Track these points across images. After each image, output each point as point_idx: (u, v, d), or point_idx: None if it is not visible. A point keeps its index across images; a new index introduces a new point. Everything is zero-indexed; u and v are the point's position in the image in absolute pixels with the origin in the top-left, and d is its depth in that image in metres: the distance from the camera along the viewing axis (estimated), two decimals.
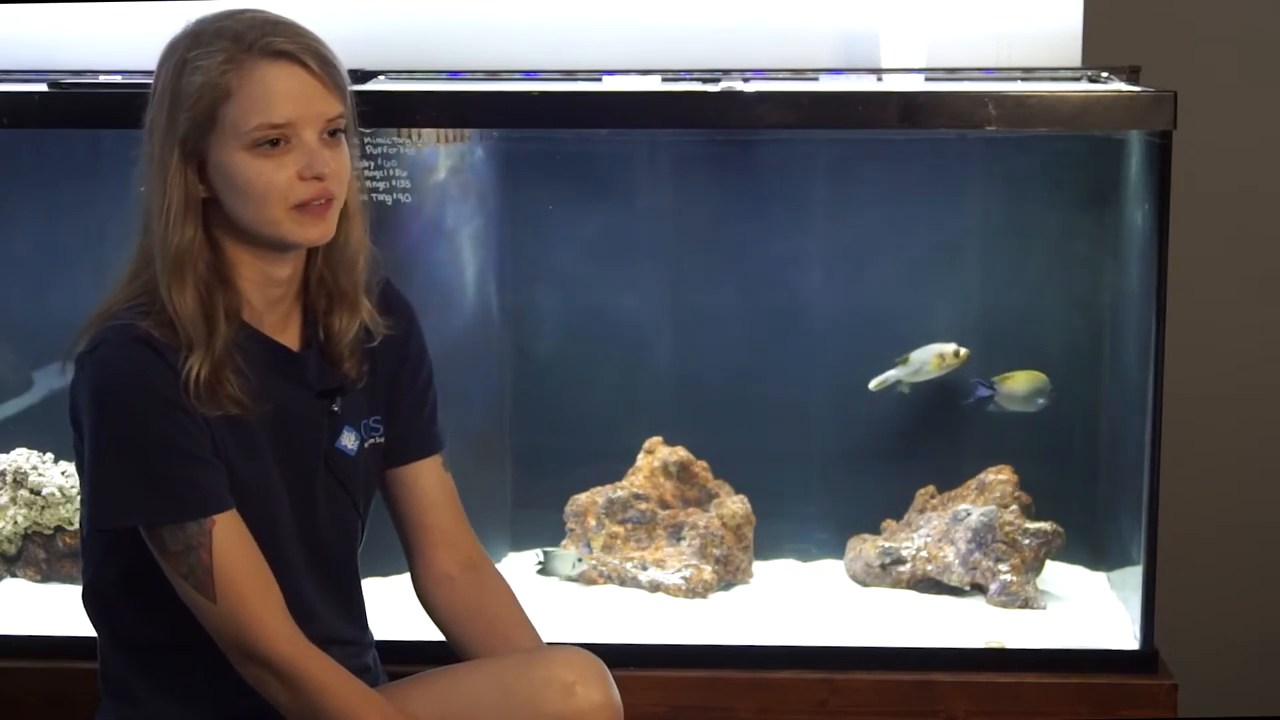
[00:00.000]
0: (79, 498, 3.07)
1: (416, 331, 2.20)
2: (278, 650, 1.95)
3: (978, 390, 3.11)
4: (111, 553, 2.03)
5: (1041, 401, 3.09)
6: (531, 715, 2.00)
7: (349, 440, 2.11)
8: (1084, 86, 2.88)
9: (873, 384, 3.12)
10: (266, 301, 2.04)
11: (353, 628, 2.16)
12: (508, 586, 2.22)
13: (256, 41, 1.94)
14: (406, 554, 2.22)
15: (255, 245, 1.99)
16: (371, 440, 2.14)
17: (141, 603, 2.03)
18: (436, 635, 2.25)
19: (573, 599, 3.04)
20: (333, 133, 1.98)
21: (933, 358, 3.08)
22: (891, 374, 3.11)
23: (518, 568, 3.17)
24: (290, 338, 2.07)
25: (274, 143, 1.94)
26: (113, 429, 1.94)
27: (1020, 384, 3.10)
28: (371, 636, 2.21)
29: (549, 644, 2.12)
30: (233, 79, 1.93)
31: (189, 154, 1.95)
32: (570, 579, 3.11)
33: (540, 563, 3.13)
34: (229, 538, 1.95)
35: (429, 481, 2.20)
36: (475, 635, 2.16)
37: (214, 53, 1.94)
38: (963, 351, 3.08)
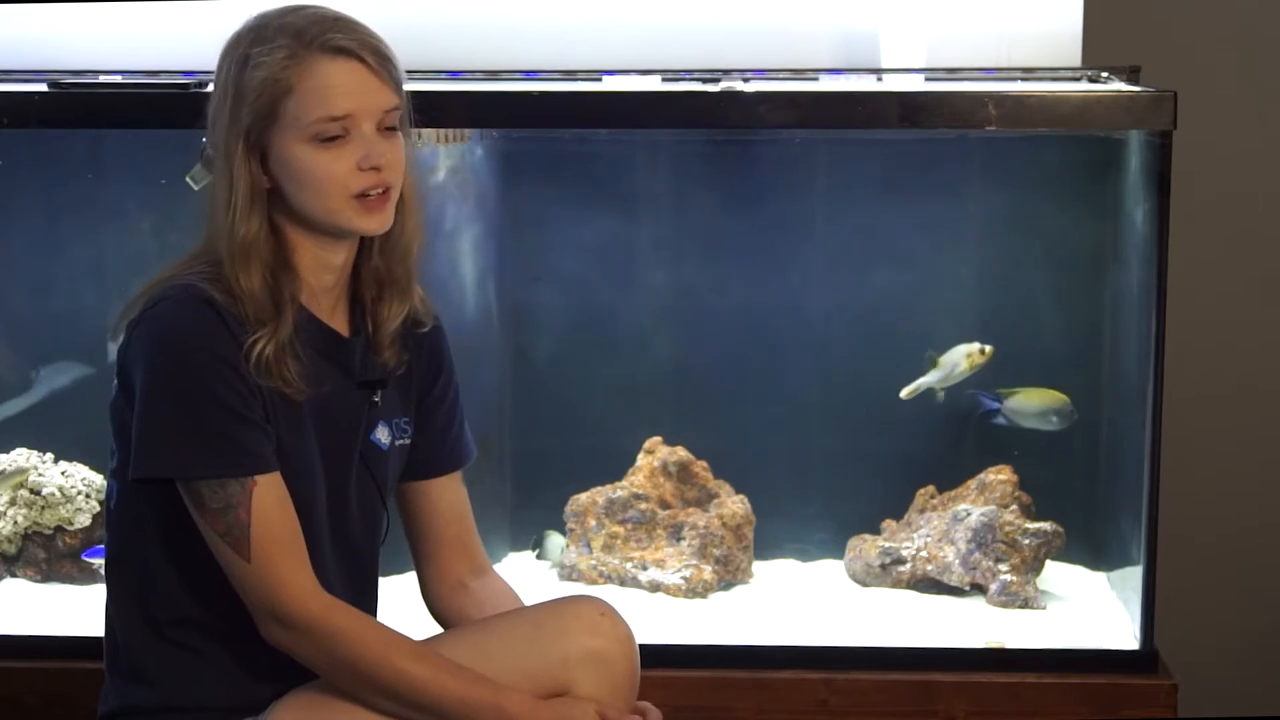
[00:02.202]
0: (80, 496, 3.09)
1: (447, 346, 2.25)
2: (305, 606, 1.97)
3: (983, 404, 3.10)
4: (146, 520, 2.04)
5: (1056, 420, 3.08)
6: (563, 646, 2.05)
7: (383, 435, 2.14)
8: (1084, 86, 2.89)
9: (904, 392, 3.10)
10: (321, 287, 2.08)
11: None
12: (511, 588, 2.27)
13: (317, 38, 1.99)
14: (417, 560, 2.25)
15: (315, 232, 2.04)
16: (400, 440, 2.17)
17: (172, 575, 2.04)
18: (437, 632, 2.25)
19: None
20: (390, 127, 2.04)
21: (962, 359, 3.07)
22: (923, 381, 3.10)
23: (517, 568, 3.18)
24: (339, 325, 2.11)
25: (333, 135, 1.99)
26: (166, 383, 1.96)
27: (1031, 400, 3.09)
28: None
29: (568, 594, 2.17)
30: (293, 74, 1.98)
31: (252, 146, 2.00)
32: (559, 564, 3.13)
33: (536, 544, 3.14)
34: (268, 499, 1.97)
35: (450, 495, 2.25)
36: None
37: (276, 49, 1.99)
38: (988, 349, 3.07)
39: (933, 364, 3.09)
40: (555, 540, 3.16)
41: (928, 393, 3.13)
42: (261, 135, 2.00)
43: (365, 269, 2.11)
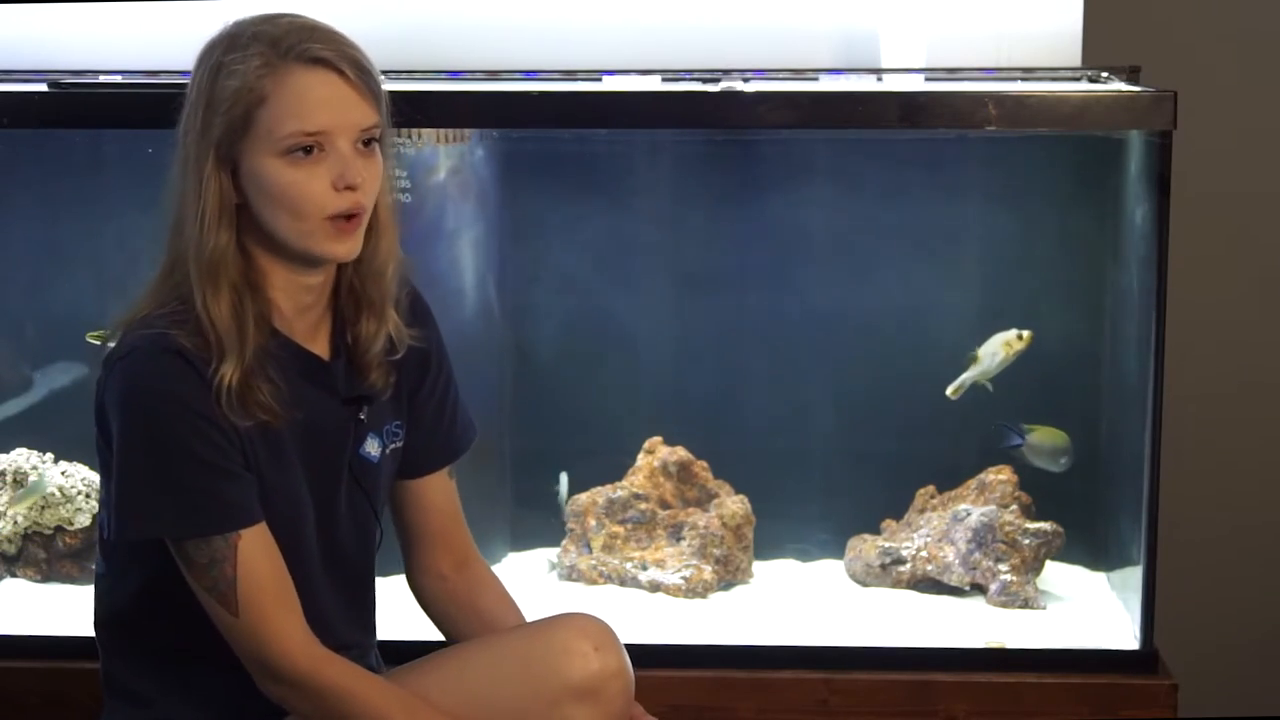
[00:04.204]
0: (80, 496, 3.09)
1: (440, 344, 2.20)
2: (296, 664, 1.95)
3: (1009, 438, 3.10)
4: (135, 560, 2.02)
5: (1064, 462, 3.08)
6: (552, 683, 2.02)
7: (372, 447, 2.11)
8: (1084, 86, 2.89)
9: (950, 391, 3.09)
10: (297, 309, 2.02)
11: (362, 632, 2.17)
12: (498, 581, 2.24)
13: (294, 47, 1.92)
14: (403, 549, 2.24)
15: (285, 255, 1.98)
16: (393, 446, 2.14)
17: (162, 609, 2.03)
18: (439, 635, 2.25)
19: (573, 599, 3.04)
20: (367, 142, 1.96)
21: (999, 348, 3.06)
22: (966, 376, 3.08)
23: (518, 568, 3.18)
24: (320, 346, 2.06)
25: (307, 150, 1.92)
26: (141, 440, 1.93)
27: (1044, 440, 3.09)
28: (375, 638, 2.22)
29: (559, 613, 2.13)
30: (268, 84, 1.91)
31: (223, 159, 1.93)
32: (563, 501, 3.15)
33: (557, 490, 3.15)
34: (254, 552, 1.95)
35: (435, 492, 2.21)
36: (469, 630, 2.18)
37: (250, 57, 1.92)
38: (1025, 334, 3.06)
39: (973, 360, 3.08)
40: (564, 481, 3.17)
41: (924, 391, 3.13)
42: (233, 147, 1.93)
43: (342, 288, 2.05)
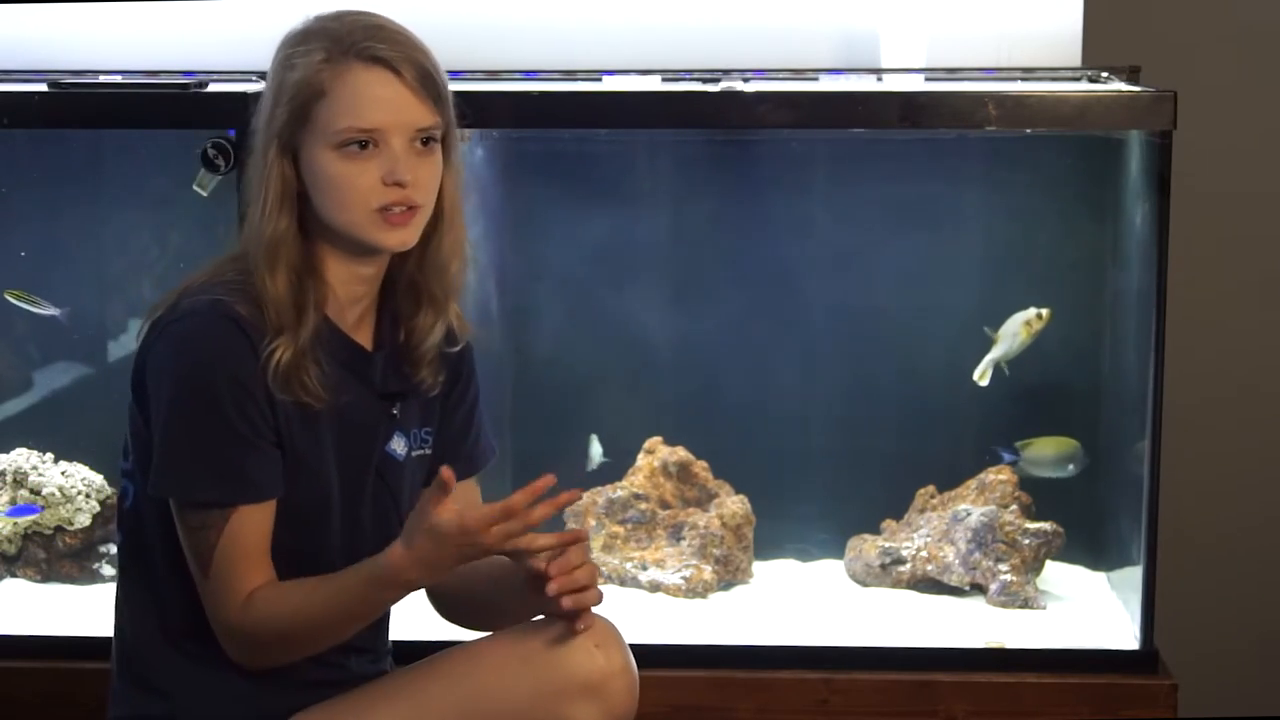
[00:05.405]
0: (80, 495, 3.09)
1: (471, 356, 2.23)
2: (237, 614, 1.96)
3: (1002, 458, 3.10)
4: (160, 527, 2.03)
5: (1072, 468, 3.08)
6: (555, 678, 2.02)
7: (398, 445, 2.12)
8: (1084, 86, 2.89)
9: (978, 377, 3.08)
10: (349, 299, 2.06)
11: (373, 635, 2.16)
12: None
13: (355, 44, 1.97)
14: None
15: (342, 243, 2.02)
16: (420, 451, 2.15)
17: (185, 585, 2.03)
18: (449, 635, 2.24)
19: None
20: (426, 141, 2.00)
21: (1019, 327, 3.06)
22: (990, 358, 3.08)
23: None
24: (364, 337, 2.09)
25: (362, 145, 1.97)
26: (181, 404, 1.96)
27: (1046, 450, 3.09)
28: (388, 644, 2.22)
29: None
30: (327, 78, 1.97)
31: (285, 147, 1.99)
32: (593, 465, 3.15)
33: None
34: (244, 524, 1.97)
35: (463, 502, 2.20)
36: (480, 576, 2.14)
37: (313, 51, 1.97)
38: (1045, 312, 3.06)
39: (993, 340, 3.07)
40: (595, 446, 3.17)
41: (924, 391, 3.13)
42: (294, 137, 1.98)
43: (401, 282, 2.09)
